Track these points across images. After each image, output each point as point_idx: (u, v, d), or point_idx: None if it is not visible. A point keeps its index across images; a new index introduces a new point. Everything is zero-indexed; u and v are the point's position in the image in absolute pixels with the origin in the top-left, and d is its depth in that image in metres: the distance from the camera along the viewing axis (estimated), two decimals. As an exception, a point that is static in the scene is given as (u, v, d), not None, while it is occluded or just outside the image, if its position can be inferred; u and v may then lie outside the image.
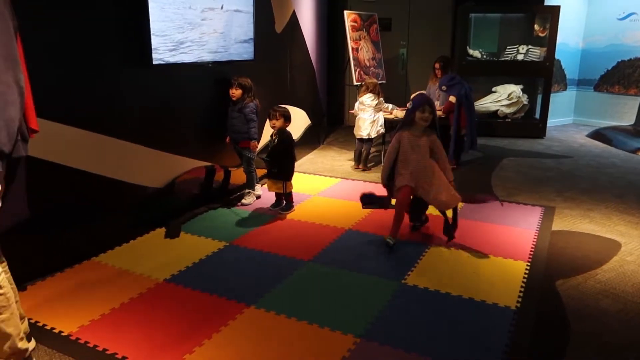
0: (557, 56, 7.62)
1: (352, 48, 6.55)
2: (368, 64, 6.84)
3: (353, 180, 5.35)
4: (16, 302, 2.23)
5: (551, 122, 7.96)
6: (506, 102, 7.77)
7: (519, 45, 7.67)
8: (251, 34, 4.60)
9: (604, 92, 8.46)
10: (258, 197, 4.59)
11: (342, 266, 3.27)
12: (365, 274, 3.18)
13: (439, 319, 2.67)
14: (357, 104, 5.73)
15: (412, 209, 3.79)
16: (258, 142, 4.42)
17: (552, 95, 7.70)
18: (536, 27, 7.72)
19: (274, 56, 5.43)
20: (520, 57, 7.64)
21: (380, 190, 3.84)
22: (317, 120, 6.90)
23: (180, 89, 4.00)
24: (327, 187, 5.02)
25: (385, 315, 2.69)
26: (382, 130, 5.74)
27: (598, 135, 7.64)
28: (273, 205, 4.30)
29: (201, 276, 3.11)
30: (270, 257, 3.41)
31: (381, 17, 7.47)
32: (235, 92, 4.26)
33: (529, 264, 3.31)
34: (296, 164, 4.43)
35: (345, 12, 6.60)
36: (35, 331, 2.47)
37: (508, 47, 7.74)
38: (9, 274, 2.23)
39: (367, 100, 5.58)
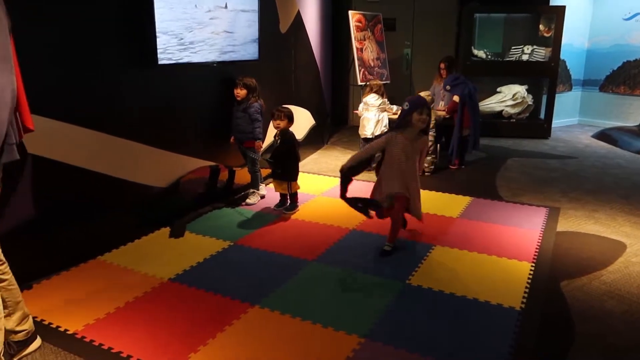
0: (562, 56, 7.59)
1: (357, 48, 6.55)
2: (372, 64, 6.84)
3: (357, 180, 5.33)
4: (18, 302, 2.23)
5: (556, 122, 7.93)
6: (511, 102, 7.75)
7: (524, 46, 7.64)
8: (256, 34, 4.60)
9: (610, 92, 8.42)
10: (262, 197, 4.60)
11: (346, 266, 3.27)
12: (370, 274, 3.18)
13: (443, 319, 2.66)
14: (361, 105, 5.73)
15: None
16: (262, 142, 4.43)
17: (557, 95, 7.67)
18: (541, 27, 7.70)
19: (278, 56, 5.44)
20: (525, 57, 7.62)
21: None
22: (321, 120, 6.91)
23: (185, 89, 4.01)
24: (331, 187, 5.02)
25: (389, 316, 2.69)
26: (387, 130, 5.73)
27: (603, 135, 7.60)
28: (277, 205, 4.31)
29: (206, 276, 3.12)
30: (274, 256, 3.42)
31: (386, 17, 7.47)
32: (240, 92, 4.27)
33: (533, 264, 3.30)
34: (300, 163, 4.44)
35: (350, 12, 6.60)
36: (41, 329, 2.48)
37: (513, 48, 7.72)
38: (11, 274, 2.21)
39: (371, 100, 5.58)
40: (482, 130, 6.06)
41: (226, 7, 4.20)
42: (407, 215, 3.65)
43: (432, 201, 4.55)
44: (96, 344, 2.40)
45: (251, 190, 4.58)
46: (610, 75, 8.37)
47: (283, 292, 2.93)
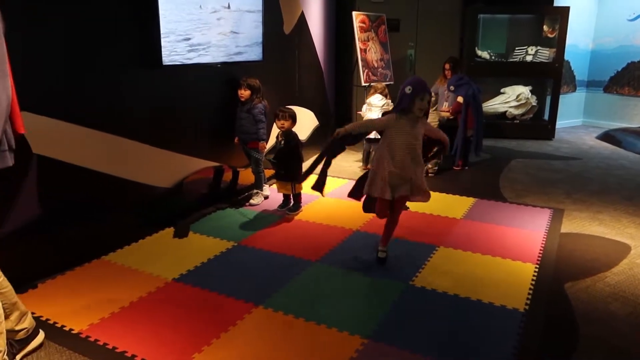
0: (566, 57, 7.58)
1: (360, 49, 6.55)
2: (376, 65, 6.84)
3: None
4: (14, 303, 2.22)
5: (560, 123, 7.92)
6: (515, 103, 7.74)
7: (528, 47, 7.63)
8: (260, 35, 4.61)
9: (614, 93, 8.40)
10: (266, 197, 4.61)
11: (349, 267, 3.27)
12: (373, 275, 3.18)
13: (446, 320, 2.66)
14: (365, 106, 5.74)
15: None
16: (266, 143, 4.44)
17: (561, 96, 7.66)
18: (545, 28, 7.69)
19: (282, 57, 5.44)
20: (529, 58, 7.61)
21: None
22: (325, 121, 6.90)
23: (189, 90, 4.02)
24: (334, 188, 5.02)
25: (393, 317, 2.69)
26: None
27: (608, 137, 7.59)
28: (281, 206, 4.31)
29: (209, 276, 3.13)
30: (278, 257, 3.42)
31: (389, 18, 7.46)
32: (244, 93, 4.28)
33: (537, 266, 3.30)
34: (304, 164, 4.43)
35: (354, 13, 6.61)
36: (46, 329, 2.49)
37: (517, 48, 7.71)
38: (2, 277, 2.18)
39: (374, 100, 5.59)
40: (485, 131, 6.05)
41: (229, 7, 4.20)
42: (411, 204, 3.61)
43: (435, 202, 4.53)
44: (101, 343, 2.41)
45: (255, 190, 4.59)
46: (614, 76, 8.35)
47: (287, 292, 2.94)
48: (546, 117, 7.78)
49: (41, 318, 2.60)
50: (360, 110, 5.89)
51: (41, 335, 2.38)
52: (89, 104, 3.20)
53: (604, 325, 2.63)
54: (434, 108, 5.51)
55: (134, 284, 3.00)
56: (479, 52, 7.71)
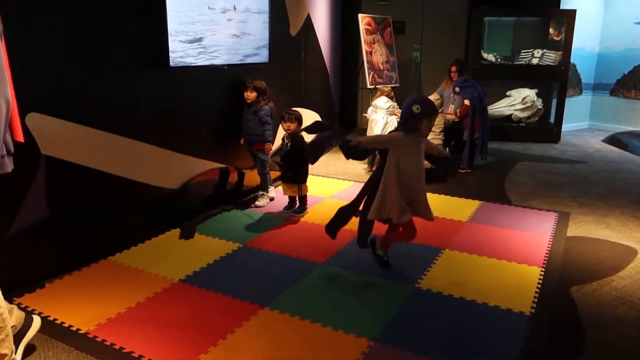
0: (572, 60, 7.56)
1: (366, 51, 6.56)
2: (382, 67, 6.84)
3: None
4: None
5: (566, 126, 7.89)
6: (520, 106, 7.72)
7: (534, 49, 7.62)
8: (266, 37, 4.63)
9: (620, 96, 8.37)
10: (271, 199, 4.62)
11: (355, 269, 3.28)
12: (379, 277, 3.18)
13: (452, 323, 2.66)
14: (370, 108, 5.74)
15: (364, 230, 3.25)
16: (272, 145, 4.45)
17: (567, 99, 7.64)
18: (551, 31, 7.67)
19: (288, 59, 5.46)
20: (535, 61, 7.59)
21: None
22: (331, 123, 6.91)
23: (196, 91, 4.05)
24: (340, 190, 5.03)
25: (398, 319, 2.69)
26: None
27: (614, 140, 7.56)
28: (286, 208, 4.32)
29: (216, 277, 3.14)
30: (283, 259, 3.43)
31: (395, 20, 7.47)
32: (250, 95, 4.29)
33: (543, 269, 3.29)
34: (309, 166, 4.44)
35: (360, 16, 6.62)
36: (54, 328, 2.52)
37: (523, 51, 7.70)
38: None
39: (380, 102, 5.60)
40: (491, 134, 6.04)
41: (235, 9, 4.22)
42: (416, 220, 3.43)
43: (441, 205, 4.55)
44: (108, 343, 2.42)
45: (260, 192, 4.60)
46: (621, 79, 8.32)
47: (293, 294, 2.94)
48: (552, 120, 7.76)
49: (49, 317, 2.62)
50: (366, 113, 5.90)
51: (37, 321, 2.33)
52: (96, 105, 3.22)
53: (610, 329, 2.62)
54: (440, 111, 5.51)
55: (140, 285, 3.01)
56: (485, 55, 7.71)
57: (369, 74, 6.52)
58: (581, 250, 3.63)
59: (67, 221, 3.12)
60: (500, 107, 7.80)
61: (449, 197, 4.83)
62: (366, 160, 6.13)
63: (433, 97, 5.62)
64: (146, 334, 2.50)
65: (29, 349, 2.35)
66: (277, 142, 4.80)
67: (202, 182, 4.34)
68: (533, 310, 2.78)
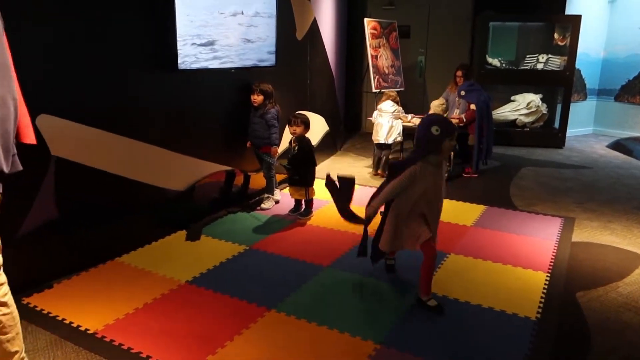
0: (577, 65, 7.57)
1: (372, 55, 6.58)
2: (387, 72, 6.87)
3: (371, 187, 5.36)
4: None
5: (570, 132, 7.90)
6: (525, 111, 7.73)
7: (539, 54, 7.63)
8: (273, 41, 4.65)
9: (625, 102, 8.37)
10: (277, 202, 4.64)
11: (361, 272, 3.29)
12: (384, 280, 3.20)
13: (458, 327, 2.67)
14: (375, 112, 5.77)
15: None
16: (278, 148, 4.47)
17: (571, 104, 7.64)
18: (556, 36, 7.69)
19: (294, 63, 5.48)
20: (540, 66, 7.61)
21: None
22: (335, 127, 6.94)
23: (203, 94, 4.08)
24: (345, 193, 5.04)
25: (404, 323, 2.71)
26: (400, 139, 5.76)
27: (618, 146, 7.56)
28: (292, 211, 4.34)
29: (222, 279, 3.16)
30: (289, 261, 3.45)
31: (400, 25, 7.50)
32: (257, 98, 4.31)
33: (549, 274, 3.30)
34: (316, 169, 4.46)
35: (365, 20, 6.65)
36: (63, 328, 2.54)
37: (528, 56, 7.71)
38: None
39: (385, 106, 5.62)
40: (495, 138, 6.05)
41: (242, 13, 4.25)
42: None
43: (446, 209, 4.48)
44: (116, 343, 2.44)
45: (266, 195, 4.62)
46: (625, 85, 8.32)
47: (299, 297, 2.96)
48: (557, 125, 7.76)
49: (57, 317, 2.64)
50: (371, 117, 5.92)
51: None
52: (105, 107, 3.25)
53: (616, 335, 2.63)
54: (445, 115, 5.53)
55: (147, 286, 3.03)
56: (490, 60, 7.72)
57: (374, 78, 6.54)
58: (587, 256, 3.63)
59: (75, 222, 3.15)
60: (505, 112, 7.81)
61: (454, 201, 4.84)
62: (371, 164, 6.16)
63: (439, 102, 5.64)
64: (154, 335, 2.52)
65: (37, 349, 2.37)
66: (283, 145, 4.82)
67: (207, 184, 4.36)
68: (539, 316, 2.78)
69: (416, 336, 2.58)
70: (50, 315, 2.67)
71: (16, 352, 2.03)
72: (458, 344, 2.53)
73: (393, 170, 2.90)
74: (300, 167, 4.12)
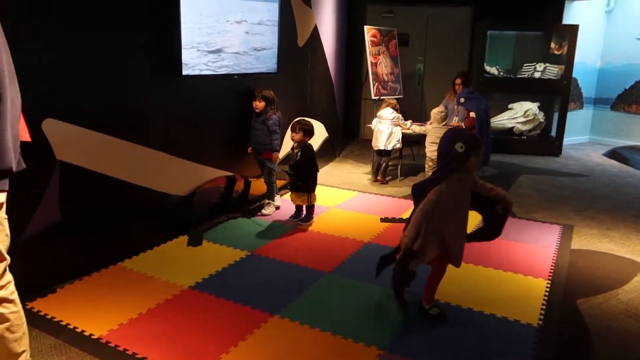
0: (574, 74, 7.64)
1: (371, 63, 6.62)
2: (386, 79, 6.91)
3: (370, 193, 5.39)
4: None
5: (567, 140, 7.96)
6: (522, 119, 7.80)
7: (537, 63, 7.71)
8: (276, 47, 4.69)
9: (621, 111, 8.45)
10: (277, 207, 4.65)
11: (363, 279, 3.30)
12: (387, 287, 3.19)
13: (461, 333, 2.69)
14: (375, 120, 5.80)
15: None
16: (279, 154, 4.49)
17: (568, 113, 7.71)
18: (552, 45, 7.77)
19: (295, 69, 5.52)
20: (537, 74, 7.68)
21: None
22: (334, 133, 6.97)
23: (206, 100, 4.09)
24: (345, 200, 5.07)
25: (407, 329, 2.72)
26: (399, 145, 5.79)
27: (615, 154, 7.62)
28: (293, 216, 4.35)
29: (225, 284, 3.16)
30: (291, 267, 3.46)
31: (399, 33, 7.55)
32: (259, 104, 4.34)
33: (549, 281, 3.32)
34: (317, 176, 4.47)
35: (366, 27, 6.69)
36: (67, 333, 2.54)
37: (525, 65, 7.78)
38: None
39: (385, 113, 5.66)
40: (493, 146, 6.09)
41: (247, 21, 4.29)
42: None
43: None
44: (121, 349, 2.44)
45: (266, 200, 4.63)
46: (622, 94, 8.40)
47: (302, 302, 2.97)
48: (553, 133, 7.82)
49: (61, 322, 2.64)
50: (370, 124, 5.95)
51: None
52: (110, 112, 3.26)
53: (617, 342, 2.65)
54: (444, 123, 5.56)
55: (150, 291, 3.03)
56: (488, 68, 7.79)
57: (373, 85, 6.58)
58: (586, 264, 3.66)
59: (77, 226, 3.15)
60: (503, 120, 7.87)
61: (453, 208, 4.86)
62: (370, 170, 6.19)
63: (438, 109, 5.67)
64: (159, 340, 2.52)
65: (42, 353, 2.37)
66: (284, 150, 4.84)
67: (209, 190, 4.37)
68: (541, 322, 2.80)
69: (420, 342, 2.59)
70: (54, 320, 2.66)
71: (23, 351, 2.04)
72: (462, 350, 2.54)
73: (417, 193, 2.72)
74: (302, 172, 4.14)
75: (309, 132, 4.21)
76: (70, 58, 2.96)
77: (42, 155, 2.83)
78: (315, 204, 4.34)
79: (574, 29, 7.34)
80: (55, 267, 3.05)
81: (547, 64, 7.65)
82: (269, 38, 4.61)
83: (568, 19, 7.71)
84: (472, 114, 5.53)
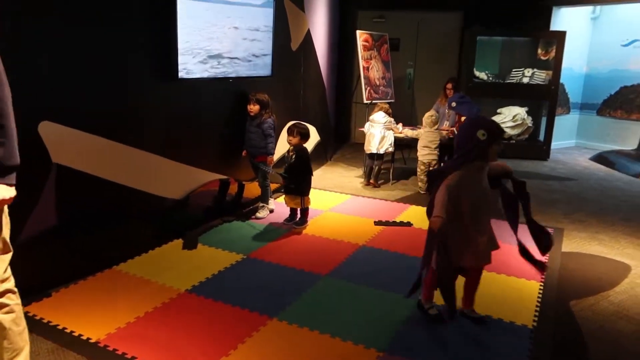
0: (561, 80, 7.76)
1: (363, 67, 6.67)
2: (378, 83, 6.96)
3: (363, 197, 5.42)
4: None
5: (554, 144, 8.08)
6: (511, 123, 7.89)
7: (525, 69, 7.82)
8: (270, 51, 4.70)
9: (607, 116, 8.60)
10: (271, 211, 4.65)
11: (359, 281, 3.32)
12: (384, 289, 3.23)
13: (458, 335, 2.72)
14: (367, 124, 5.83)
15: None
16: (273, 157, 4.50)
17: (555, 118, 7.82)
18: (539, 50, 7.89)
19: (289, 73, 5.54)
20: (525, 80, 7.79)
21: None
22: (326, 137, 7.00)
23: (201, 103, 4.09)
24: (338, 204, 5.09)
25: (405, 331, 2.74)
26: (391, 149, 5.83)
27: (601, 158, 7.75)
28: (287, 220, 4.36)
29: (222, 288, 3.16)
30: (287, 270, 3.46)
31: (390, 38, 7.61)
32: (253, 108, 4.34)
33: (542, 284, 3.38)
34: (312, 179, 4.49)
35: (358, 32, 6.73)
36: (64, 337, 2.52)
37: (514, 70, 7.89)
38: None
39: (378, 117, 5.70)
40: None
41: (241, 25, 4.30)
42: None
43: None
44: (119, 352, 2.43)
45: (260, 204, 4.63)
46: (607, 99, 8.55)
47: (300, 305, 2.98)
48: (541, 137, 7.94)
49: (58, 326, 2.62)
50: (363, 128, 5.98)
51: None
52: (106, 115, 3.24)
53: (610, 343, 2.71)
54: (435, 127, 5.62)
55: (147, 294, 3.02)
56: (477, 73, 7.88)
57: (365, 89, 6.62)
58: (577, 266, 3.72)
59: (72, 229, 3.12)
60: (492, 124, 7.95)
61: (445, 211, 4.91)
62: (361, 174, 6.22)
63: (430, 114, 5.72)
64: (158, 344, 2.51)
65: (39, 357, 2.35)
66: (278, 153, 4.85)
67: (203, 193, 4.36)
68: (535, 324, 2.85)
69: (417, 344, 2.62)
70: (51, 324, 2.64)
71: (25, 345, 2.03)
72: (460, 351, 2.57)
73: (433, 179, 2.69)
74: (297, 175, 4.15)
75: (306, 135, 4.23)
76: (67, 61, 2.94)
77: (38, 157, 2.81)
78: (310, 207, 4.35)
79: (561, 35, 7.47)
80: (51, 270, 3.02)
81: (535, 70, 7.77)
82: (266, 43, 4.63)
83: (555, 25, 7.84)
84: (463, 119, 5.59)
